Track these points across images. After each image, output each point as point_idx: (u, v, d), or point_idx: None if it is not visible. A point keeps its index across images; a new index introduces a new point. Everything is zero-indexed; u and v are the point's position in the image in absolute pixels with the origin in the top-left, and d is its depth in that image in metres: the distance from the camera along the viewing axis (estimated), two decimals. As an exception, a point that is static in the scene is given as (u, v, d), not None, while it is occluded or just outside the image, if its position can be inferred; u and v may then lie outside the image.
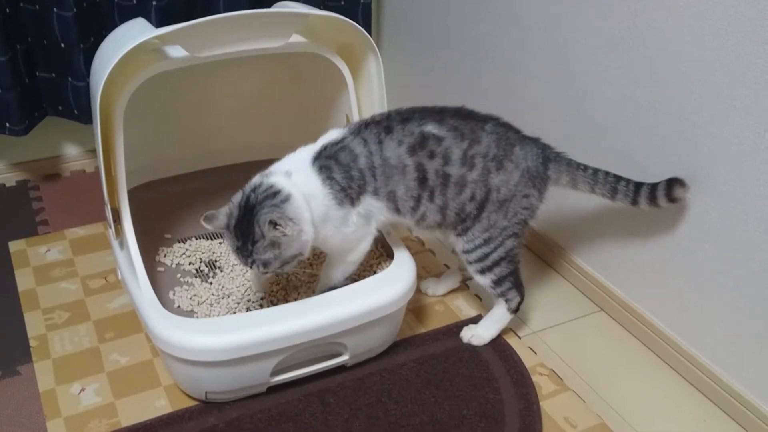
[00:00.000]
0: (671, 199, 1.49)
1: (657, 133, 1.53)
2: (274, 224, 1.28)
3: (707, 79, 1.39)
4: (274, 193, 1.32)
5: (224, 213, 1.35)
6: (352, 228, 1.43)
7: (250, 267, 1.34)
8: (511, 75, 1.90)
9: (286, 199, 1.32)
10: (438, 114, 1.46)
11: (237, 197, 1.35)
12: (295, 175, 1.36)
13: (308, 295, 1.50)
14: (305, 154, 1.41)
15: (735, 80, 1.34)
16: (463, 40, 2.04)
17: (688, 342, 1.58)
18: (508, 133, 1.49)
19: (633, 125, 1.58)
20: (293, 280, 1.67)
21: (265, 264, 1.33)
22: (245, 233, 1.31)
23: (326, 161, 1.39)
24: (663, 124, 1.51)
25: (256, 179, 1.36)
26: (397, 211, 1.46)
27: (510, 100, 1.91)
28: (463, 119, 1.46)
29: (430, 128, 1.43)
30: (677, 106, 1.47)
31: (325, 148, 1.40)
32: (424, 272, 1.85)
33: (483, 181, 1.45)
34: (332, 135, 1.43)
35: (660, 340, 1.63)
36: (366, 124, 1.44)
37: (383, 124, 1.43)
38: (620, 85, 1.58)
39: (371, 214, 1.44)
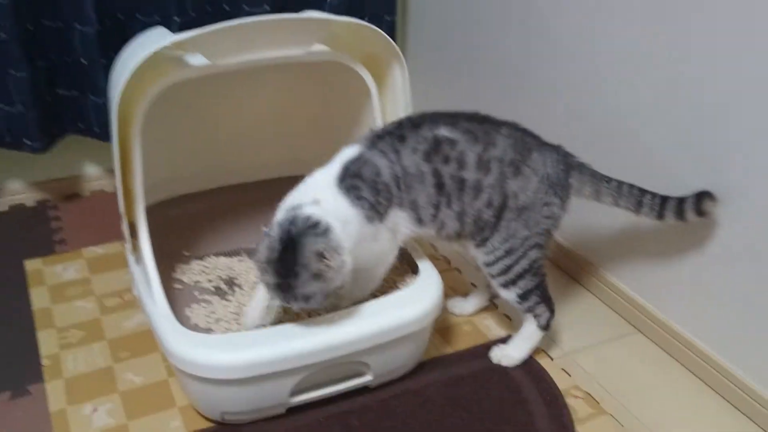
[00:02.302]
0: (700, 212, 1.43)
1: (696, 146, 1.46)
2: (320, 256, 1.23)
3: (751, 93, 1.33)
4: (314, 224, 1.26)
5: (265, 246, 1.27)
6: (382, 243, 1.39)
7: (289, 303, 1.28)
8: (541, 89, 1.84)
9: (327, 229, 1.26)
10: (451, 118, 1.41)
11: (274, 231, 1.28)
12: (324, 203, 1.31)
13: (330, 312, 1.43)
14: (326, 177, 1.36)
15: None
16: (490, 54, 1.99)
17: (734, 365, 1.49)
18: (525, 138, 1.43)
19: (670, 139, 1.51)
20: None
21: (307, 298, 1.27)
22: (287, 267, 1.25)
23: (352, 180, 1.33)
24: (703, 137, 1.44)
25: (288, 214, 1.29)
26: (420, 221, 1.40)
27: (540, 114, 1.85)
28: (478, 123, 1.42)
29: (443, 132, 1.38)
30: (718, 119, 1.40)
31: (347, 167, 1.35)
32: (450, 291, 1.78)
33: (499, 187, 1.39)
34: (348, 153, 1.38)
35: (703, 363, 1.54)
36: (379, 136, 1.39)
37: (396, 134, 1.39)
38: (656, 100, 1.52)
39: (397, 226, 1.40)
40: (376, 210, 1.34)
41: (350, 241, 1.30)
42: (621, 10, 1.56)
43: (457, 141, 1.38)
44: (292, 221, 1.27)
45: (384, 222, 1.36)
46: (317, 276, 1.25)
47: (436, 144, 1.37)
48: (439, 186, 1.38)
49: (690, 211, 1.43)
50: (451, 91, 2.21)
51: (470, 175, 1.38)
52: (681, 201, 1.44)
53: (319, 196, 1.32)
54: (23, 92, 1.84)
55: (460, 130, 1.39)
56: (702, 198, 1.43)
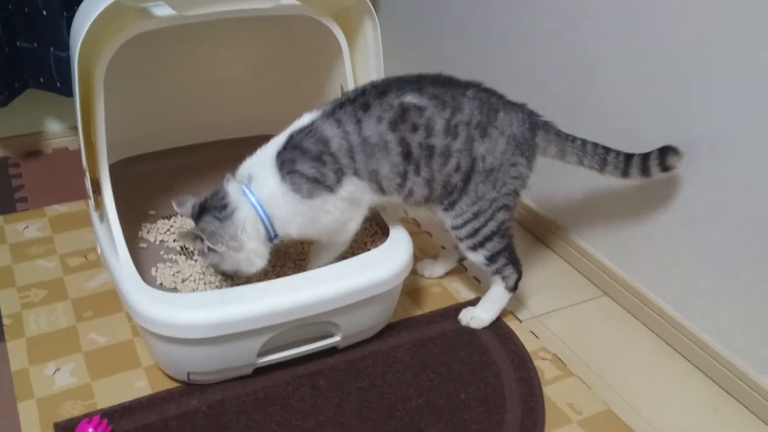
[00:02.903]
0: (664, 168, 1.43)
1: (672, 101, 1.45)
2: (196, 237, 1.32)
3: (727, 42, 1.32)
4: (222, 206, 1.31)
5: (192, 203, 1.37)
6: (335, 214, 1.35)
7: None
8: (516, 44, 1.82)
9: (229, 215, 1.31)
10: (416, 83, 1.38)
11: (211, 192, 1.35)
12: (255, 180, 1.33)
13: (297, 272, 1.41)
14: (272, 148, 1.34)
15: (759, 43, 1.26)
16: (465, 6, 1.95)
17: (699, 327, 1.50)
18: (491, 99, 1.41)
19: (645, 95, 1.50)
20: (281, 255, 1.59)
21: (211, 266, 1.37)
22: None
23: (290, 153, 1.31)
24: (679, 92, 1.43)
25: (224, 181, 1.35)
26: (381, 191, 1.37)
27: (513, 70, 1.83)
28: (443, 86, 1.39)
29: (410, 99, 1.35)
30: (694, 73, 1.39)
31: (291, 137, 1.33)
32: (420, 254, 1.77)
33: (467, 150, 1.38)
34: (302, 121, 1.36)
35: (669, 326, 1.55)
36: (340, 104, 1.35)
37: (359, 102, 1.34)
38: (631, 52, 1.50)
39: (356, 196, 1.36)
40: (319, 183, 1.31)
41: (276, 219, 1.32)
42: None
43: (425, 108, 1.35)
44: (216, 192, 1.34)
45: (337, 192, 1.33)
46: (200, 251, 1.33)
47: (403, 112, 1.34)
48: (406, 154, 1.35)
49: (654, 166, 1.43)
50: (421, 52, 2.17)
51: (438, 141, 1.36)
52: (645, 157, 1.44)
53: (256, 169, 1.33)
54: (-20, 43, 1.77)
55: (426, 96, 1.36)
56: (666, 152, 1.43)
